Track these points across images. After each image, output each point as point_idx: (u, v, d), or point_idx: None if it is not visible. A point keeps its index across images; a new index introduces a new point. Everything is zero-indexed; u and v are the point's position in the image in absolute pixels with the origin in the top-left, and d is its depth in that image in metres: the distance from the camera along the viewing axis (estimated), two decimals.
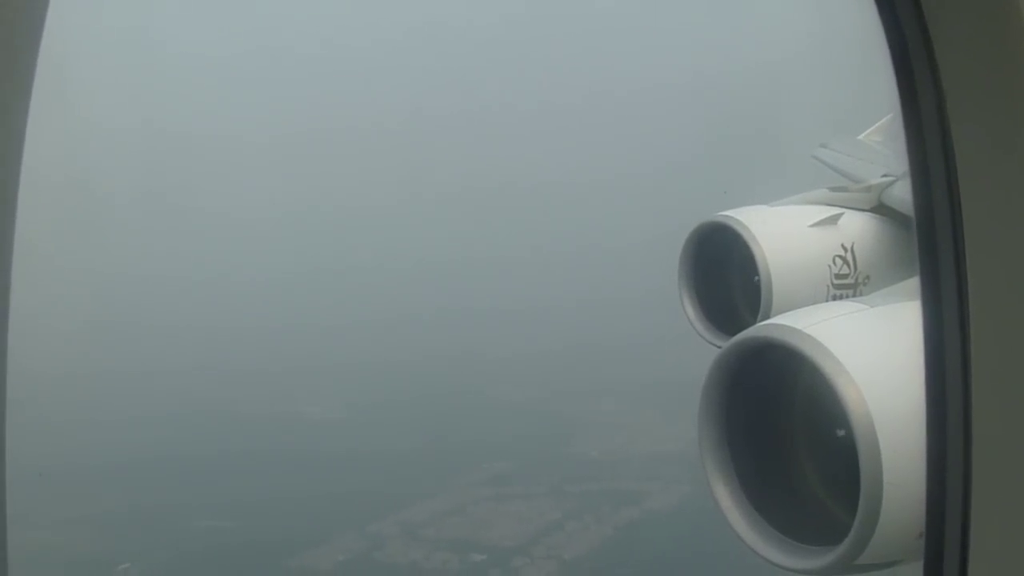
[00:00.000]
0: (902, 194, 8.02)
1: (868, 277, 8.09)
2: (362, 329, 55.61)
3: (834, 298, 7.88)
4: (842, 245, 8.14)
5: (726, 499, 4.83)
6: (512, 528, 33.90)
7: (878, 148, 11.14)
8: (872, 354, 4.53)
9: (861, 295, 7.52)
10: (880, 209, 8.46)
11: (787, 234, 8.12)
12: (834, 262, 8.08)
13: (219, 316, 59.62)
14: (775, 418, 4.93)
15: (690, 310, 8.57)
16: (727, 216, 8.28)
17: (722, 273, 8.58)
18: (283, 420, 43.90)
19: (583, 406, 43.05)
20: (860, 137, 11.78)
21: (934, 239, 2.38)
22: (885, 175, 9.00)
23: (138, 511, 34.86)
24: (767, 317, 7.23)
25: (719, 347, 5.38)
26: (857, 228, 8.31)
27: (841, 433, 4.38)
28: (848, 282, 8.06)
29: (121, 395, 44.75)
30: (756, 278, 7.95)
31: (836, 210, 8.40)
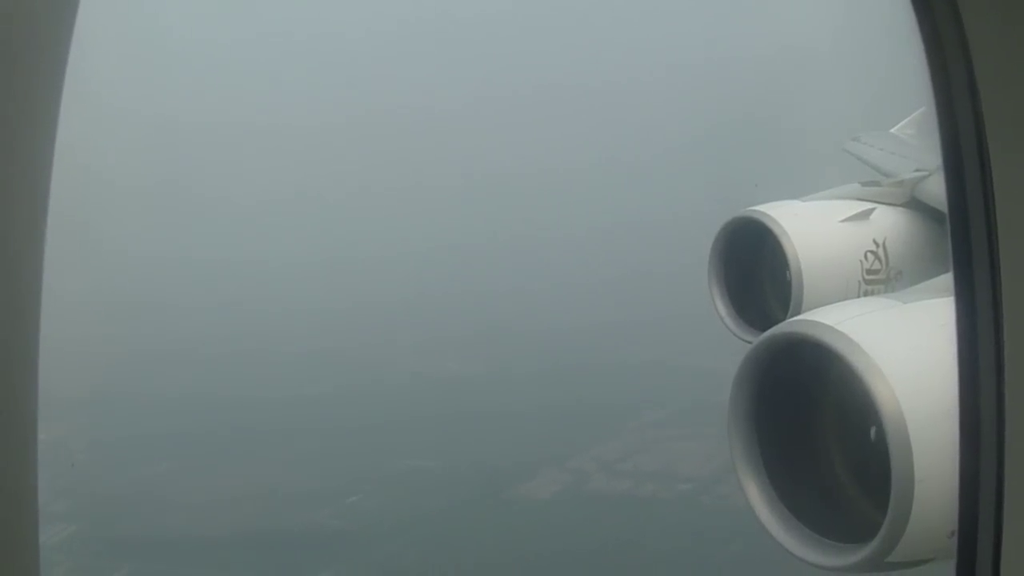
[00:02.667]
0: (935, 189, 7.94)
1: (900, 273, 8.03)
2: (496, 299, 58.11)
3: (865, 294, 7.82)
4: (874, 240, 8.07)
5: (756, 496, 4.81)
6: (700, 463, 34.44)
7: (911, 142, 11.04)
8: (904, 351, 4.49)
9: (893, 291, 7.45)
10: (912, 204, 8.38)
11: (818, 229, 8.06)
12: (866, 257, 8.01)
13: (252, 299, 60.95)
14: (806, 415, 4.90)
15: (720, 306, 8.53)
16: (757, 211, 8.24)
17: (752, 268, 8.53)
18: (441, 379, 47.32)
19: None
20: (892, 131, 11.67)
21: (967, 235, 2.35)
22: (918, 170, 8.92)
23: (347, 453, 38.76)
24: (798, 313, 7.20)
25: (749, 343, 5.35)
26: (889, 223, 8.24)
27: (872, 430, 4.35)
28: (880, 278, 7.99)
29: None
30: (787, 273, 7.90)
31: (868, 205, 8.33)
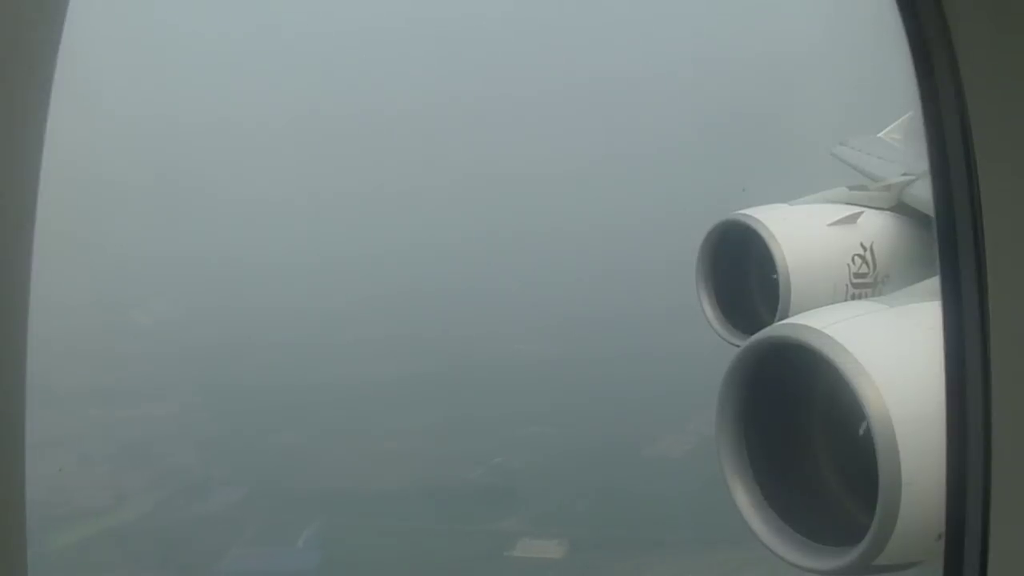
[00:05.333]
0: (922, 193, 7.97)
1: (887, 276, 8.05)
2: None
3: (853, 297, 7.84)
4: (861, 244, 8.09)
5: (743, 498, 4.82)
6: None
7: (898, 146, 11.09)
8: (891, 354, 4.50)
9: (880, 294, 7.48)
10: (900, 208, 8.41)
11: (806, 233, 8.08)
12: (853, 261, 8.03)
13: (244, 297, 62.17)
14: (793, 418, 4.91)
15: (708, 309, 8.54)
16: (745, 215, 8.25)
17: (740, 272, 8.55)
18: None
19: None
20: (880, 135, 11.72)
21: (954, 238, 2.36)
22: (905, 174, 8.95)
23: (472, 422, 43.91)
24: (785, 316, 7.21)
25: (737, 346, 5.36)
26: (876, 227, 8.26)
27: (860, 433, 4.36)
28: (867, 281, 8.01)
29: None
30: (775, 277, 7.92)
31: (855, 209, 8.35)
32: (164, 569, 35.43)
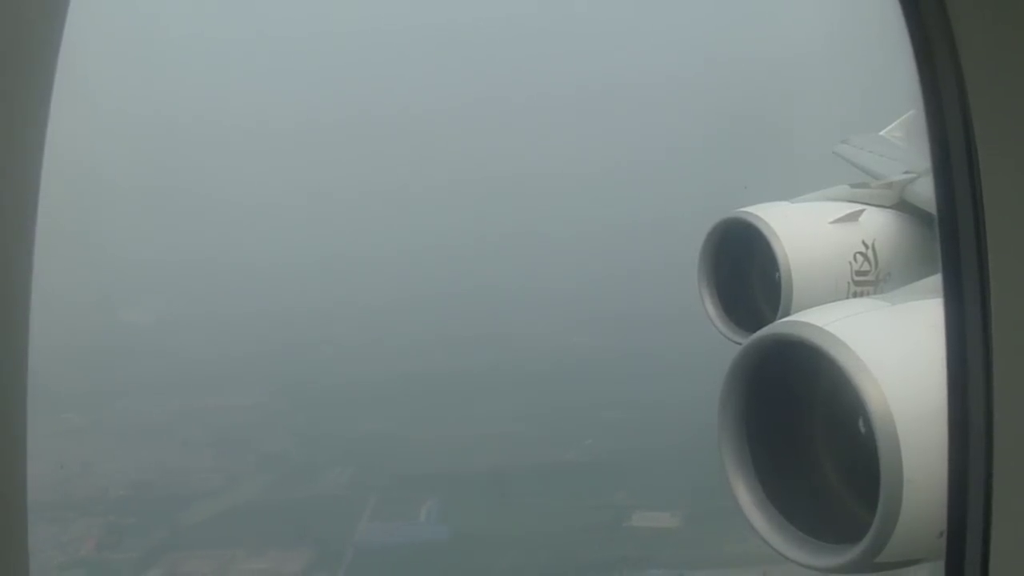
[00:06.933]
0: (924, 191, 7.97)
1: (889, 274, 8.04)
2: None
3: (854, 295, 7.83)
4: (863, 242, 8.08)
5: (745, 496, 4.82)
6: None
7: (900, 144, 11.07)
8: (893, 351, 4.50)
9: (882, 292, 7.47)
10: (902, 206, 8.41)
11: (808, 231, 8.07)
12: (855, 259, 8.03)
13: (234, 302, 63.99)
14: (795, 416, 4.91)
15: (710, 306, 8.53)
16: (747, 212, 8.24)
17: (742, 269, 8.54)
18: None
19: None
20: (882, 133, 11.70)
21: (956, 236, 2.36)
22: (907, 172, 8.94)
23: (549, 409, 46.14)
24: (787, 314, 7.20)
25: (739, 344, 5.36)
26: (878, 225, 8.26)
27: (861, 431, 4.36)
28: (869, 279, 8.00)
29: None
30: (776, 275, 7.91)
31: (857, 207, 8.34)
32: (301, 542, 37.33)
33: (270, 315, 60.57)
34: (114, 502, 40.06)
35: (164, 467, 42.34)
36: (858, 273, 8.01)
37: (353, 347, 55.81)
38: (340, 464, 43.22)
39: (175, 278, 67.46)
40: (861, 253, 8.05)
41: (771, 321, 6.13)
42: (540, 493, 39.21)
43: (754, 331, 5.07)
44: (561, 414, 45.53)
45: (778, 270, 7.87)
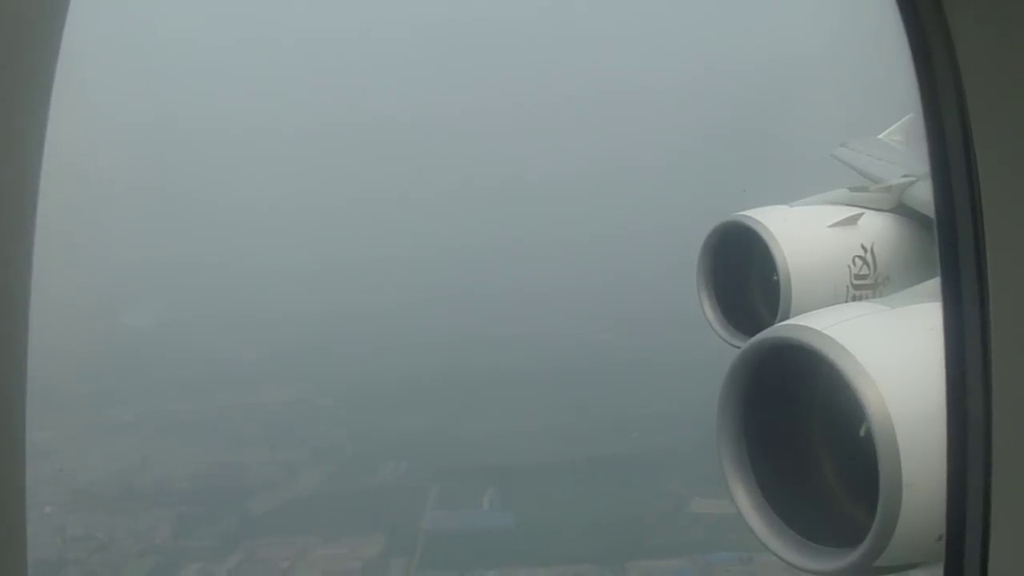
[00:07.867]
0: (923, 194, 7.97)
1: (888, 278, 8.04)
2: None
3: (853, 299, 7.83)
4: (862, 246, 8.08)
5: (744, 499, 4.82)
6: None
7: (898, 148, 11.07)
8: (892, 355, 4.50)
9: (881, 296, 7.47)
10: (900, 209, 8.40)
11: (806, 234, 8.07)
12: (854, 263, 8.02)
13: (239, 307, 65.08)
14: (794, 419, 4.91)
15: (709, 310, 8.53)
16: (746, 216, 8.24)
17: (741, 273, 8.53)
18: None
19: None
20: (880, 137, 11.71)
21: (955, 240, 2.36)
22: (905, 175, 8.94)
23: (603, 405, 47.51)
24: (786, 318, 7.19)
25: (738, 348, 5.36)
26: (877, 229, 8.25)
27: (860, 435, 4.36)
28: (868, 283, 8.00)
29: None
30: (775, 278, 7.91)
31: (856, 210, 8.34)
32: (373, 529, 38.71)
33: (301, 317, 62.37)
34: (180, 494, 41.04)
35: (221, 461, 43.49)
36: (857, 277, 8.00)
37: (391, 348, 57.45)
38: (393, 457, 44.62)
39: (202, 280, 69.55)
40: (860, 257, 8.05)
41: (770, 325, 6.13)
42: (594, 483, 40.11)
43: (753, 335, 5.07)
44: (601, 409, 46.68)
45: (777, 273, 7.87)
